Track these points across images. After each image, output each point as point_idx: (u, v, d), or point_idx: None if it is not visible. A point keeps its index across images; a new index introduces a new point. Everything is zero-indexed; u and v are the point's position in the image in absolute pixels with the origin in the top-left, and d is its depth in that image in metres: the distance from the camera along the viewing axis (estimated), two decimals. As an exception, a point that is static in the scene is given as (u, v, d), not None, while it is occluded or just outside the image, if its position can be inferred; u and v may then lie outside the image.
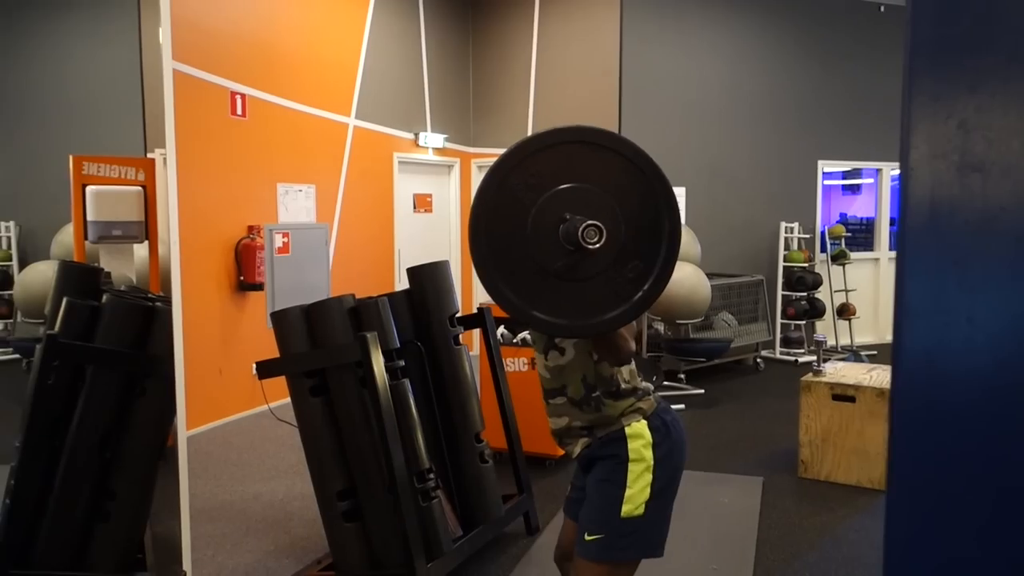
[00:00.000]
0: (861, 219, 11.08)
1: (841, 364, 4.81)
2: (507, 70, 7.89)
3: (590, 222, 1.50)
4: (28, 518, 2.88)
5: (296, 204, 6.14)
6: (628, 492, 1.90)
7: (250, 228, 5.65)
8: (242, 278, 5.60)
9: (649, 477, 1.91)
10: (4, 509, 2.90)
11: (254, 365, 5.70)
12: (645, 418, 1.95)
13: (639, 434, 1.93)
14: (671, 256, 1.61)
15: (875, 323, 8.64)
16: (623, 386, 1.96)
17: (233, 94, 5.45)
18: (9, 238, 6.51)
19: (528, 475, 3.71)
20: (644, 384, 2.02)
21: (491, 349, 3.66)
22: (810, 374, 4.45)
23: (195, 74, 5.09)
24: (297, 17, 6.21)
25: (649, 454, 1.92)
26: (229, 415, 5.57)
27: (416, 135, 7.41)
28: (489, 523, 3.33)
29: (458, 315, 3.41)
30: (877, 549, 3.49)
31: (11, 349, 6.35)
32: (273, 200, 5.92)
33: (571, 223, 1.54)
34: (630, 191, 1.59)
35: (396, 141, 7.23)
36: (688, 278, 5.99)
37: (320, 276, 6.39)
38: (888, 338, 8.63)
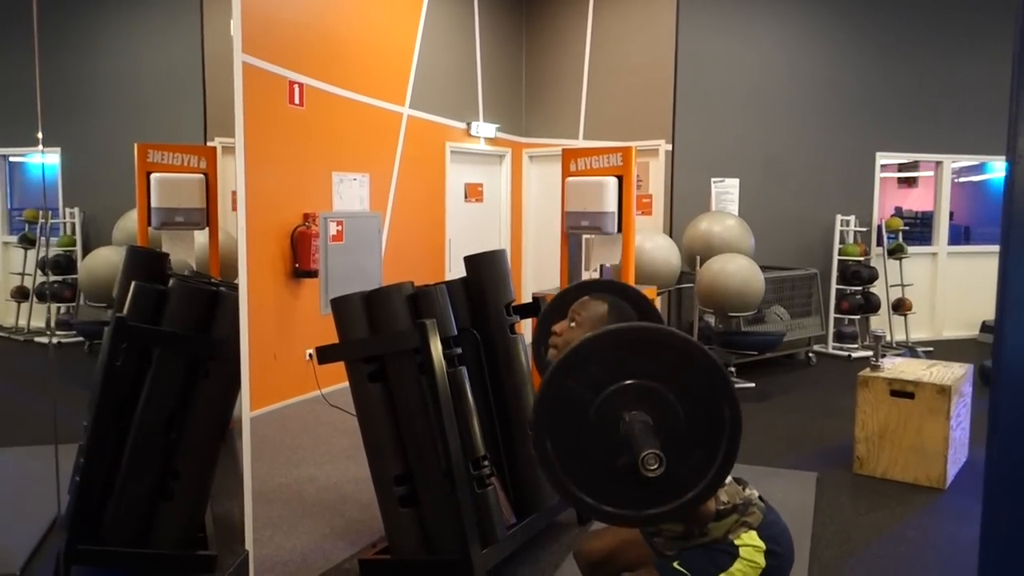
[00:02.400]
0: (916, 213, 10.81)
1: (899, 360, 4.71)
2: (560, 60, 7.87)
3: (649, 451, 1.52)
4: (96, 496, 2.98)
5: (350, 193, 6.22)
6: (732, 570, 1.84)
7: (305, 216, 5.74)
8: (297, 265, 5.70)
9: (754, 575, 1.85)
10: (74, 487, 2.99)
11: (308, 351, 5.83)
12: (753, 529, 1.88)
13: (750, 543, 1.86)
14: (733, 444, 1.63)
15: (931, 319, 8.44)
16: (721, 508, 1.88)
17: (291, 83, 5.54)
18: (74, 224, 6.70)
19: (580, 465, 3.71)
20: (747, 493, 1.93)
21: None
22: (867, 369, 4.37)
23: (254, 63, 5.18)
24: (353, 7, 6.27)
25: (761, 559, 1.85)
26: (283, 400, 5.68)
27: (468, 125, 7.44)
28: (542, 512, 3.35)
29: (513, 304, 3.42)
30: (936, 549, 3.43)
31: (75, 332, 6.55)
32: (328, 188, 6.01)
33: (632, 429, 1.58)
34: (687, 381, 1.63)
35: (449, 131, 7.27)
36: (741, 270, 5.92)
37: (373, 264, 6.47)
38: (945, 334, 8.43)
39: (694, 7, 7.15)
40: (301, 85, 5.64)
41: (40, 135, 3.23)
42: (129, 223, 5.71)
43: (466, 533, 2.87)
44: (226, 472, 3.42)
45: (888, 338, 7.93)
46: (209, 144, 5.92)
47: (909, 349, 7.38)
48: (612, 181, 4.60)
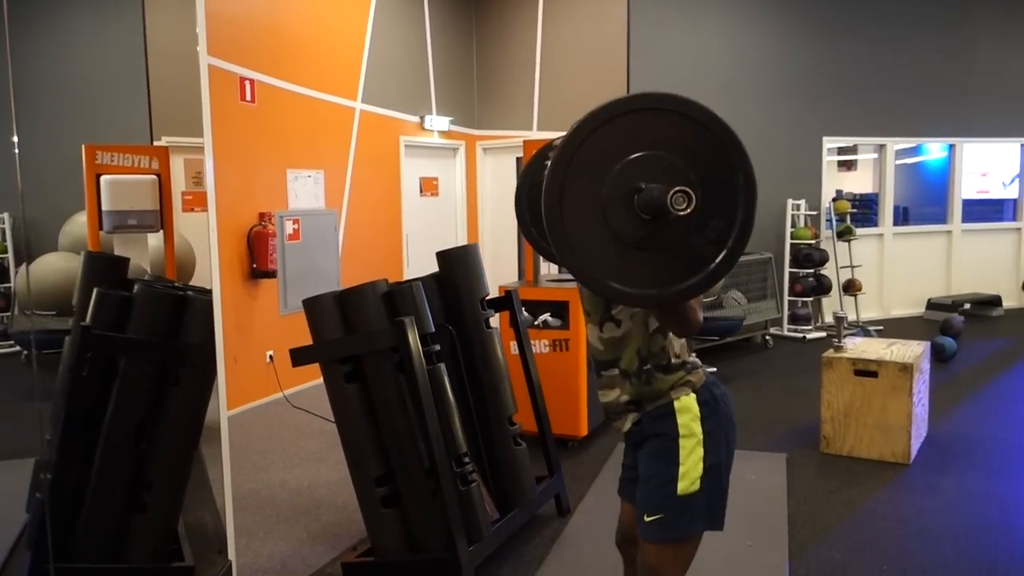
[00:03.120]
0: (855, 195, 11.08)
1: (860, 340, 4.82)
2: (512, 51, 7.84)
3: (677, 188, 1.46)
4: (67, 512, 2.87)
5: (305, 190, 6.11)
6: (682, 469, 1.89)
7: (261, 215, 5.62)
8: (255, 265, 5.58)
9: (701, 451, 1.90)
10: (35, 504, 2.88)
11: (268, 353, 5.71)
12: (694, 391, 1.94)
13: (687, 408, 1.92)
14: (750, 209, 1.58)
15: (880, 299, 8.67)
16: (674, 360, 1.94)
17: (242, 79, 5.40)
18: (3, 230, 6.43)
19: (558, 456, 3.72)
20: (693, 358, 2.00)
21: (519, 331, 3.65)
22: (831, 350, 4.46)
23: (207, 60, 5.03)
24: (302, 1, 6.14)
25: (699, 428, 1.90)
26: (245, 403, 5.56)
27: (422, 118, 7.37)
28: (524, 506, 3.34)
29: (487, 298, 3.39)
30: (907, 523, 3.52)
31: (12, 342, 6.29)
32: (283, 186, 5.89)
33: (650, 192, 1.52)
34: (698, 149, 1.57)
35: (402, 124, 7.19)
36: (701, 257, 5.98)
37: (330, 262, 6.37)
38: (894, 313, 8.67)
39: (644, -4, 7.19)
40: (252, 81, 5.51)
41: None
42: (75, 227, 5.51)
43: (452, 531, 2.84)
44: (193, 480, 3.33)
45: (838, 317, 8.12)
46: (156, 144, 5.76)
47: (861, 328, 7.56)
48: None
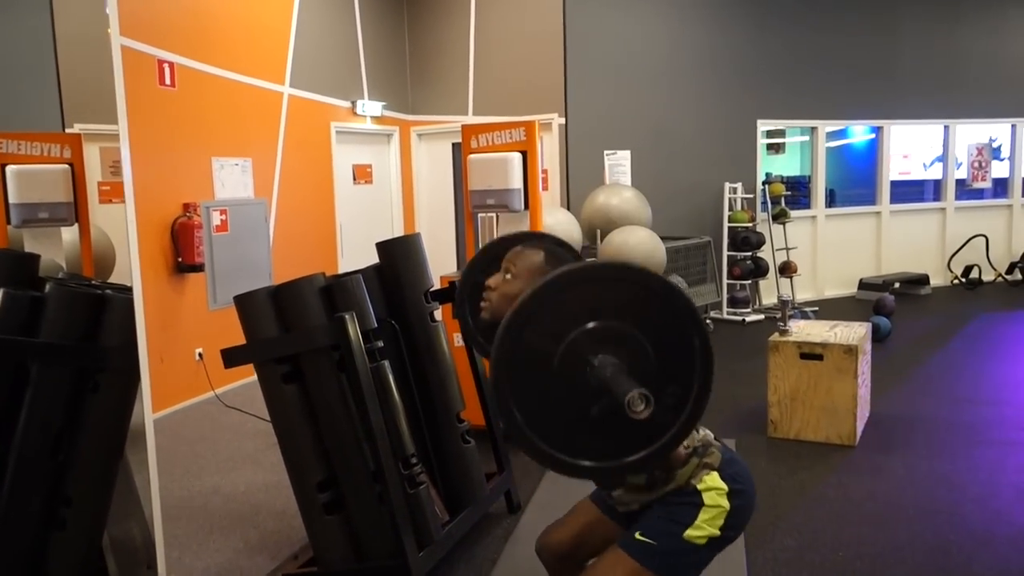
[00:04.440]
0: (783, 178, 11.26)
1: (802, 322, 4.82)
2: (445, 34, 7.64)
3: (633, 392, 1.37)
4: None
5: (233, 179, 5.82)
6: (697, 522, 1.77)
7: (186, 206, 5.32)
8: (180, 259, 5.29)
9: (721, 522, 1.78)
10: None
11: (197, 351, 5.43)
12: (715, 470, 1.81)
13: (713, 486, 1.79)
14: (707, 374, 1.53)
15: (813, 280, 8.80)
16: (683, 451, 1.80)
17: (160, 62, 5.09)
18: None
19: (507, 451, 3.59)
20: (703, 435, 1.85)
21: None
22: (776, 334, 4.44)
23: (120, 42, 4.71)
24: (224, -21, 5.83)
25: (725, 502, 1.78)
26: (173, 404, 5.27)
27: (353, 103, 7.12)
28: (475, 505, 3.21)
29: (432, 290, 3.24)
30: (858, 505, 3.52)
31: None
32: (208, 175, 5.60)
33: (604, 373, 1.45)
34: (652, 317, 1.51)
35: (333, 110, 6.94)
36: (643, 242, 5.94)
37: (261, 254, 6.10)
38: (827, 294, 8.82)
39: (579, -22, 7.08)
40: (171, 64, 5.19)
41: None
42: (-19, 222, 5.14)
43: (400, 536, 2.69)
44: (118, 489, 3.10)
45: (774, 300, 8.21)
46: (68, 131, 5.40)
47: (798, 310, 7.65)
48: (517, 157, 4.46)
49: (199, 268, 5.41)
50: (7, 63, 5.98)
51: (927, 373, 5.74)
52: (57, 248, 4.40)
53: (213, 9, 5.66)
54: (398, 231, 7.84)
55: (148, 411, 2.67)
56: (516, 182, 4.42)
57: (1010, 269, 9.57)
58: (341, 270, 6.88)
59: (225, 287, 5.68)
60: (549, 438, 1.50)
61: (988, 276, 9.48)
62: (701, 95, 7.88)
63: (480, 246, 4.72)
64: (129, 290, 2.94)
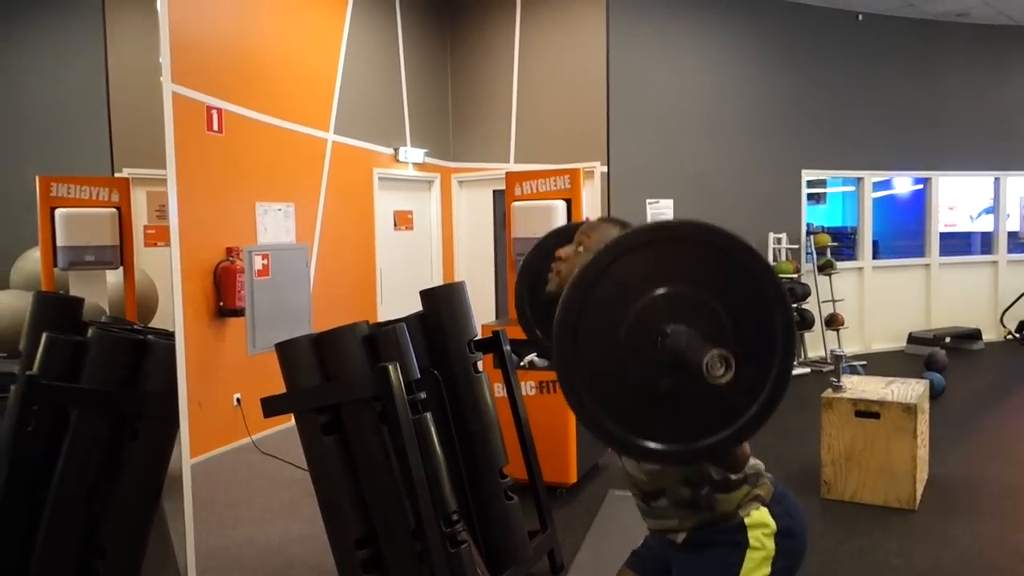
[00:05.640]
0: (822, 228, 11.09)
1: (856, 378, 4.65)
2: (488, 82, 7.68)
3: (713, 352, 1.23)
4: (7, 583, 2.55)
5: (275, 224, 5.84)
6: (741, 573, 1.63)
7: (229, 250, 5.34)
8: (221, 303, 5.29)
9: (768, 569, 1.64)
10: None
11: (235, 396, 5.40)
12: (765, 505, 1.67)
13: (761, 523, 1.65)
14: (788, 354, 1.37)
15: (861, 333, 8.57)
16: (733, 476, 1.67)
17: (209, 108, 5.15)
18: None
19: (550, 509, 3.46)
20: (755, 463, 1.72)
21: (508, 375, 3.41)
22: (829, 390, 4.28)
23: (171, 88, 4.79)
24: (273, 29, 5.93)
25: (772, 544, 1.64)
26: (210, 450, 5.22)
27: (396, 150, 7.16)
28: (517, 565, 3.07)
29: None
30: (923, 575, 3.31)
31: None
32: (252, 220, 5.62)
33: (677, 341, 1.30)
34: (731, 287, 1.36)
35: (375, 156, 6.97)
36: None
37: (302, 299, 6.09)
38: (875, 348, 8.57)
39: (624, 28, 7.09)
40: (220, 111, 5.26)
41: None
42: (29, 263, 5.18)
43: (441, 599, 2.57)
44: (153, 537, 3.03)
45: (823, 354, 7.99)
46: (117, 175, 5.47)
47: (848, 365, 7.42)
48: (561, 205, 4.41)
49: (240, 312, 5.40)
50: (61, 108, 6.13)
51: (986, 433, 5.49)
52: (101, 291, 4.42)
53: (261, 56, 5.75)
54: (437, 278, 7.81)
55: (186, 459, 2.61)
56: (561, 230, 4.35)
57: (1066, 325, 9.24)
58: (380, 316, 6.85)
59: (265, 332, 5.66)
60: (615, 415, 1.35)
61: (1043, 331, 9.16)
62: (744, 144, 7.80)
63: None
64: (171, 335, 2.91)
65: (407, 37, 7.33)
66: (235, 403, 5.36)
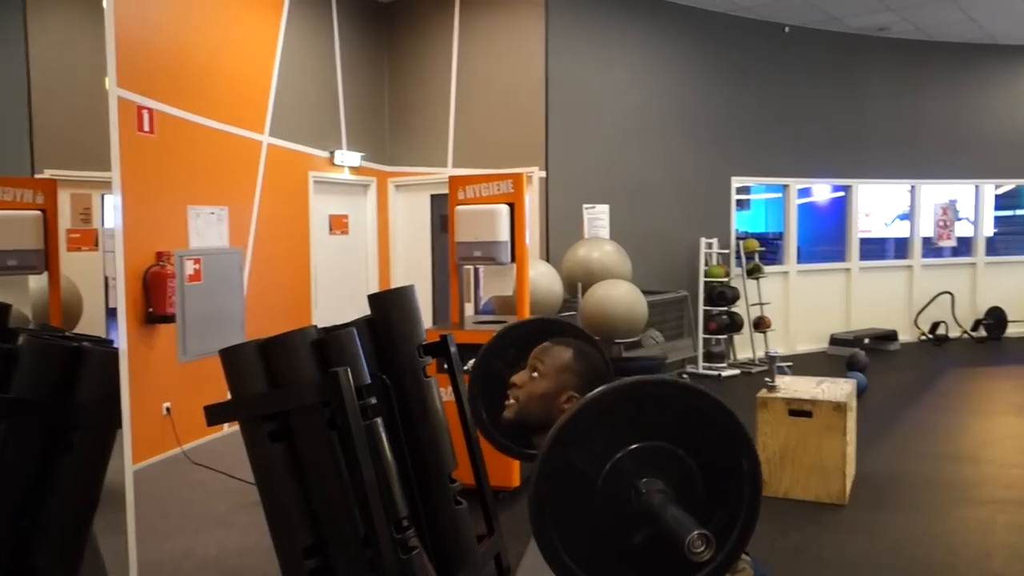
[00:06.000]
0: (748, 233, 11.43)
1: (788, 378, 4.80)
2: (425, 87, 7.65)
3: (696, 532, 1.28)
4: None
5: (208, 228, 5.70)
6: None
7: (159, 255, 5.18)
8: (151, 309, 5.12)
9: None
10: None
11: (165, 405, 5.24)
12: None
13: None
14: (756, 497, 1.44)
15: (786, 335, 8.84)
16: None
17: (140, 108, 5.00)
18: None
19: (497, 512, 3.47)
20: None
21: (456, 379, 3.40)
22: (764, 390, 4.40)
23: (116, 92, 4.63)
24: (207, 29, 5.79)
25: None
26: (138, 462, 5.04)
27: (332, 153, 7.07)
28: (468, 570, 3.07)
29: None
30: (855, 569, 3.44)
31: None
32: (183, 224, 5.47)
33: (655, 503, 1.36)
34: (698, 436, 1.43)
35: (311, 159, 6.87)
36: (625, 296, 5.91)
37: (235, 305, 5.95)
38: (799, 349, 8.86)
39: (562, 35, 7.16)
40: (151, 111, 5.10)
41: None
42: (-57, 269, 4.94)
43: (393, 606, 2.55)
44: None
45: (750, 355, 8.22)
46: (38, 176, 5.25)
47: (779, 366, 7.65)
48: (504, 209, 4.42)
49: (170, 319, 5.25)
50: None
51: (906, 430, 5.74)
52: (24, 297, 4.22)
53: (195, 57, 5.61)
54: (373, 283, 7.73)
55: (129, 469, 2.53)
56: (503, 234, 4.38)
57: (975, 326, 9.72)
58: (315, 321, 6.74)
59: (197, 339, 5.51)
60: (588, 566, 1.40)
61: (954, 332, 9.62)
62: (677, 152, 7.97)
63: (463, 298, 4.65)
64: (105, 342, 2.81)
65: (344, 40, 7.25)
66: (165, 412, 5.19)
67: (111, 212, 4.82)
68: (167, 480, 4.85)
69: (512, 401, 1.86)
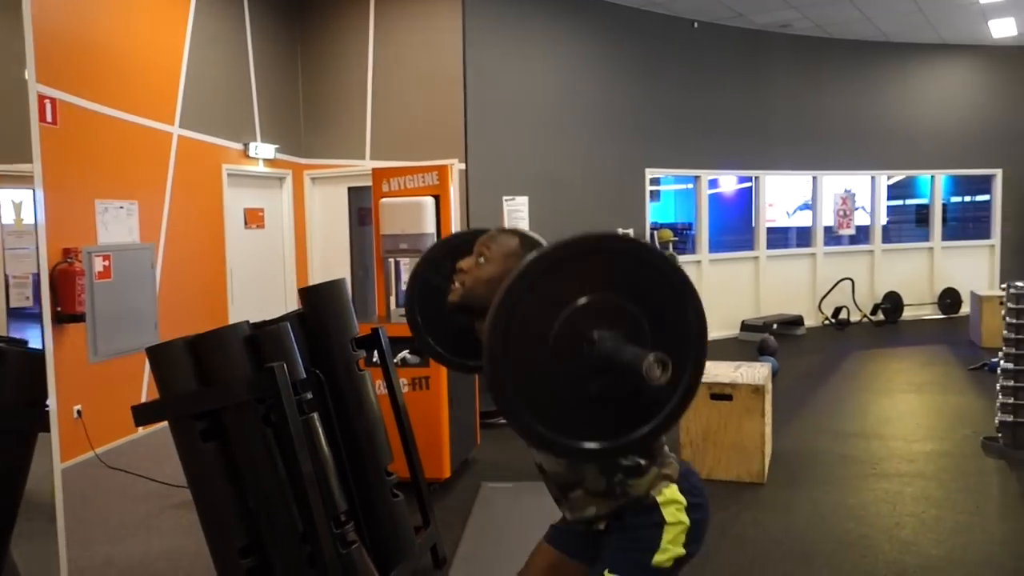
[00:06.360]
0: (660, 223, 11.73)
1: (708, 363, 4.95)
2: (340, 78, 7.53)
3: (652, 356, 1.32)
4: None
5: (117, 223, 5.48)
6: (663, 543, 1.71)
7: (66, 251, 4.95)
8: (59, 308, 4.89)
9: (684, 539, 1.73)
10: None
11: (76, 408, 5.02)
12: (674, 482, 1.76)
13: (672, 499, 1.74)
14: (702, 346, 1.50)
15: (700, 322, 9.09)
16: (642, 462, 1.75)
17: (42, 98, 4.75)
18: None
19: (432, 504, 3.47)
20: (659, 443, 1.80)
21: (388, 372, 3.39)
22: (686, 376, 4.53)
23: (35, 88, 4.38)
24: (111, 15, 5.54)
25: (685, 517, 1.73)
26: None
27: (246, 146, 6.88)
28: (405, 562, 3.07)
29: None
30: (778, 543, 3.60)
31: None
32: (91, 218, 5.25)
33: (607, 348, 1.40)
34: (645, 290, 1.47)
35: (224, 152, 6.68)
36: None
37: (147, 302, 5.74)
38: (712, 335, 9.14)
39: (480, 27, 7.16)
40: (54, 100, 4.87)
41: None
42: None
43: (334, 601, 2.53)
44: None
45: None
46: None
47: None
48: (429, 201, 4.42)
49: (80, 318, 5.03)
50: None
51: (816, 410, 6.02)
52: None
53: (99, 45, 5.37)
54: (291, 277, 7.58)
55: (58, 472, 2.43)
56: (430, 226, 4.38)
57: (874, 310, 10.24)
58: (231, 318, 6.57)
59: (108, 338, 5.30)
60: (548, 420, 1.42)
61: (855, 317, 10.12)
62: (593, 144, 8.10)
63: (390, 292, 4.63)
64: (18, 342, 2.69)
65: (255, 29, 7.06)
66: (75, 415, 4.98)
67: (8, 208, 4.58)
68: (81, 485, 4.65)
69: (458, 285, 1.86)
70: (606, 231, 1.49)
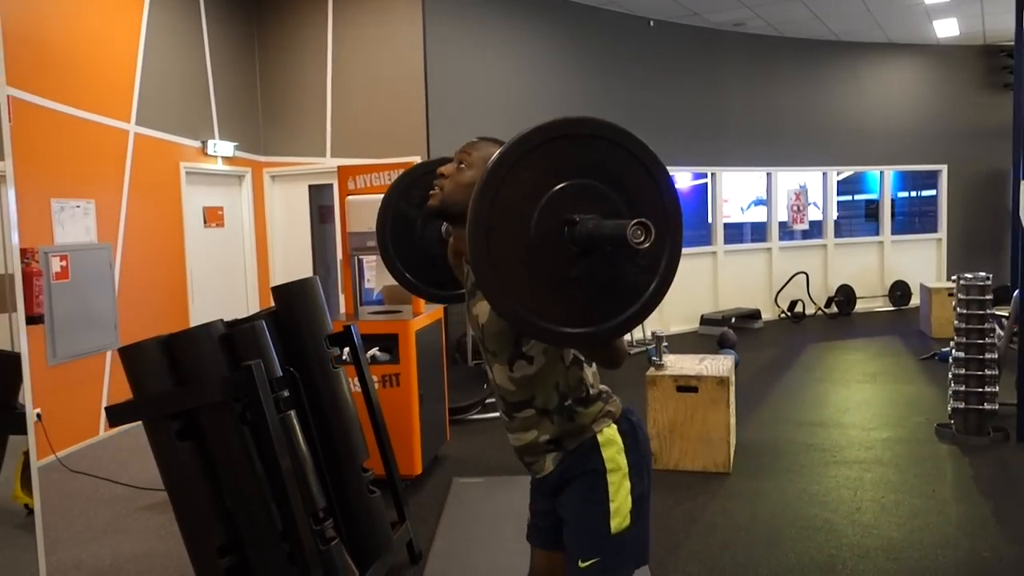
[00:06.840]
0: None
1: (673, 356, 5.04)
2: (299, 75, 7.47)
3: (636, 221, 1.36)
4: None
5: (74, 222, 5.37)
6: (613, 506, 1.81)
7: (23, 251, 4.82)
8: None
9: (628, 484, 1.82)
10: None
11: (35, 411, 4.90)
12: (615, 421, 1.86)
13: (611, 440, 1.84)
14: (678, 233, 1.54)
15: (660, 316, 9.23)
16: (591, 391, 1.85)
17: (-4, 95, 4.63)
18: None
19: (406, 499, 3.49)
20: (604, 387, 1.92)
21: (361, 369, 3.39)
22: (652, 368, 4.62)
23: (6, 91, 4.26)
24: (64, 11, 5.42)
25: (623, 460, 1.83)
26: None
27: (204, 143, 6.79)
28: (383, 558, 3.08)
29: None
30: (746, 530, 3.68)
31: None
32: (47, 218, 5.14)
33: (587, 224, 1.43)
34: (621, 174, 1.50)
35: (182, 149, 6.58)
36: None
37: (106, 303, 5.64)
38: (673, 329, 9.28)
39: (440, 24, 7.16)
40: (8, 98, 4.74)
41: None
42: None
43: (315, 598, 2.53)
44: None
45: (657, 336, 8.53)
46: None
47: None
48: (397, 198, 4.40)
49: (38, 320, 4.92)
50: None
51: (775, 401, 6.15)
52: None
53: (52, 40, 5.25)
54: (252, 276, 7.50)
55: (35, 474, 2.39)
56: (398, 224, 4.36)
57: (828, 303, 10.49)
58: (192, 318, 6.48)
59: (67, 339, 5.20)
60: (531, 306, 1.45)
61: (810, 310, 10.35)
62: (554, 141, 8.14)
63: (358, 290, 4.61)
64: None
65: (211, 22, 6.96)
66: (35, 419, 4.86)
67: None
68: (44, 490, 4.54)
69: (437, 190, 1.88)
70: (579, 115, 1.50)
